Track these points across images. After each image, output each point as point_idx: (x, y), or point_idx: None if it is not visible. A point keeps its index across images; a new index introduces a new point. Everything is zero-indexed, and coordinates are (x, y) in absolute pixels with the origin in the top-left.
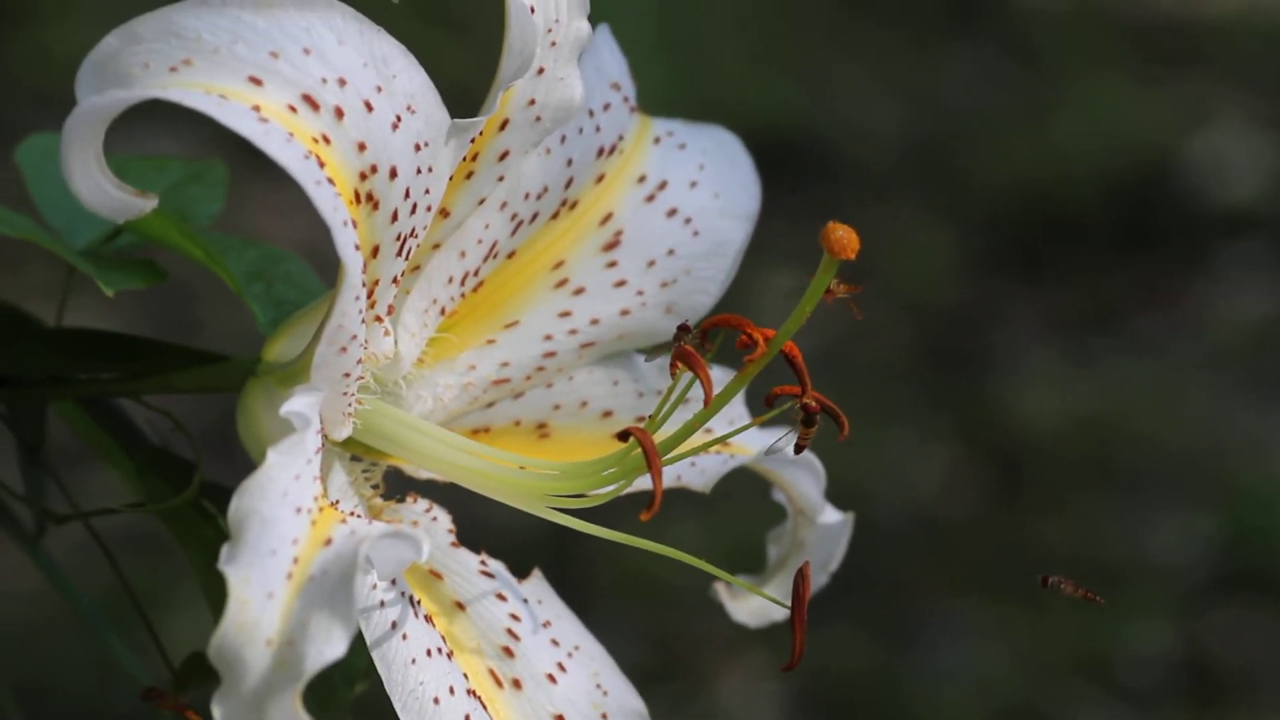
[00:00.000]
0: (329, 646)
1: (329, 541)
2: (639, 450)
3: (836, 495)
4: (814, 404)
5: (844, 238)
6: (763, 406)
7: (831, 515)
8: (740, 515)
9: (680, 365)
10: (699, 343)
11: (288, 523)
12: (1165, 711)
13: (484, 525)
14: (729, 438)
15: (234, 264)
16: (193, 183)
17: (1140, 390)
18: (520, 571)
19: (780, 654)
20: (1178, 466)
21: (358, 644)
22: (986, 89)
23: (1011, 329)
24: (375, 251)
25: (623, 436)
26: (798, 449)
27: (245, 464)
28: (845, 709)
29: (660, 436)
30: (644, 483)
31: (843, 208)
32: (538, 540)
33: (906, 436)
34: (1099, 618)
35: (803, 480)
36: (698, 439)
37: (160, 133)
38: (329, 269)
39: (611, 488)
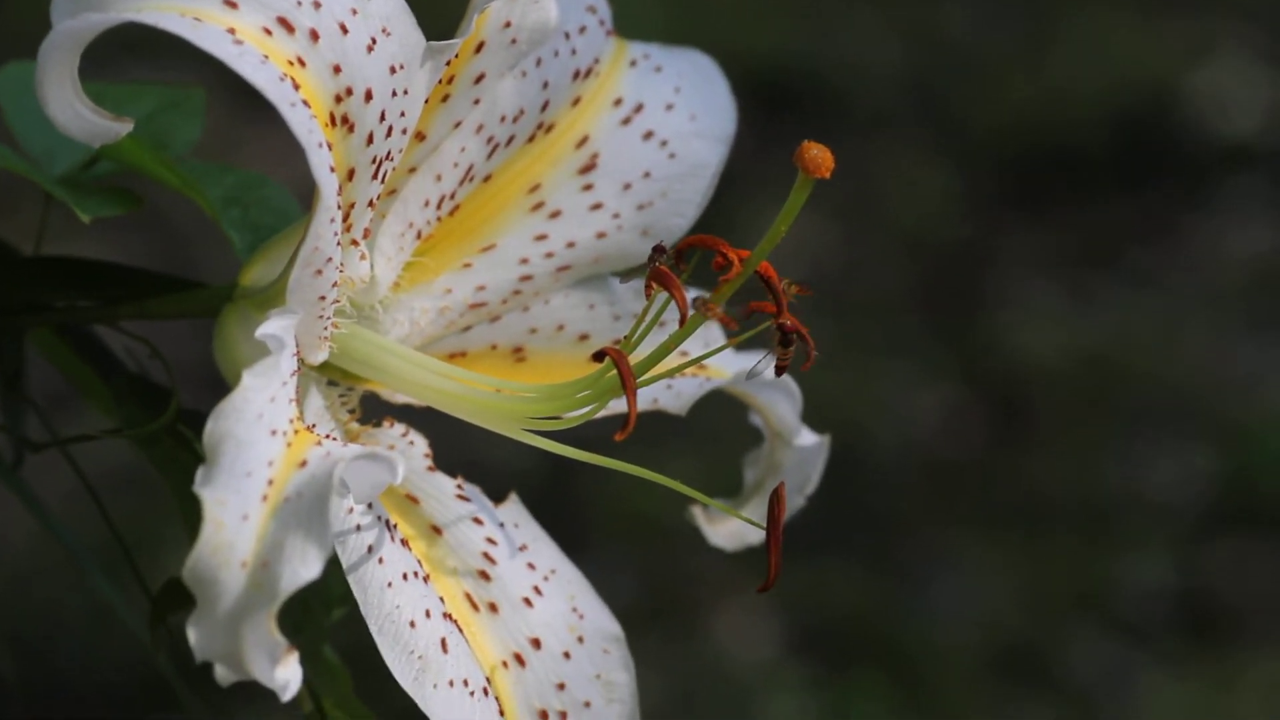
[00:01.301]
0: (304, 568)
1: (304, 463)
2: (614, 372)
3: (835, 432)
4: (789, 324)
5: (818, 156)
6: (738, 329)
7: (808, 438)
8: (736, 453)
9: (655, 286)
10: (674, 264)
11: (263, 444)
12: (1165, 646)
13: (475, 465)
14: (704, 359)
15: (211, 189)
16: (170, 110)
17: (1140, 326)
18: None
19: (777, 591)
20: (1177, 402)
21: (335, 569)
22: (987, 25)
23: (1011, 265)
24: (351, 174)
25: (598, 357)
26: (777, 371)
27: (223, 392)
28: (842, 646)
29: (635, 358)
30: (621, 406)
31: (844, 146)
32: (531, 479)
33: (905, 373)
34: (1099, 554)
35: (779, 403)
36: (673, 361)
37: (150, 72)
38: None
39: (586, 409)
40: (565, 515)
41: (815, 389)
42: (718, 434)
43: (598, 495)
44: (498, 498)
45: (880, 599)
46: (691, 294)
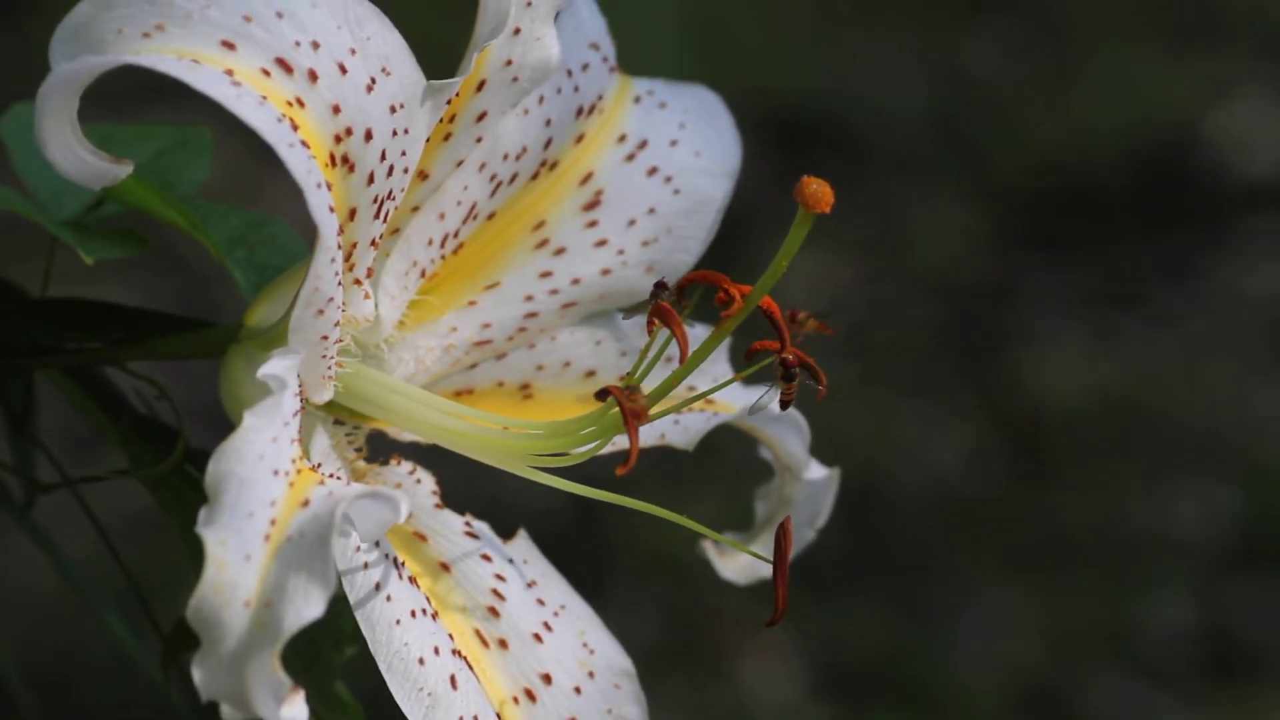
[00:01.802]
0: (307, 607)
1: (306, 503)
2: (617, 409)
3: (858, 471)
4: (793, 359)
5: (818, 192)
6: (746, 364)
7: (817, 471)
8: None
9: (657, 322)
10: (675, 299)
11: (265, 485)
12: (1187, 686)
13: (496, 503)
14: (709, 394)
15: (216, 230)
16: (178, 149)
17: (1162, 365)
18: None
19: (800, 632)
20: (1199, 441)
21: (345, 606)
22: (1010, 64)
23: (1033, 304)
24: (352, 214)
25: (601, 395)
26: (782, 405)
27: (230, 431)
28: (865, 686)
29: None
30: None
31: (866, 184)
32: (553, 520)
33: (928, 413)
34: (1121, 594)
35: (787, 437)
36: (679, 396)
37: (168, 114)
38: None
39: (590, 446)
40: (586, 556)
41: (837, 428)
42: (739, 471)
43: (619, 535)
44: (508, 535)
45: (903, 639)
46: (697, 330)
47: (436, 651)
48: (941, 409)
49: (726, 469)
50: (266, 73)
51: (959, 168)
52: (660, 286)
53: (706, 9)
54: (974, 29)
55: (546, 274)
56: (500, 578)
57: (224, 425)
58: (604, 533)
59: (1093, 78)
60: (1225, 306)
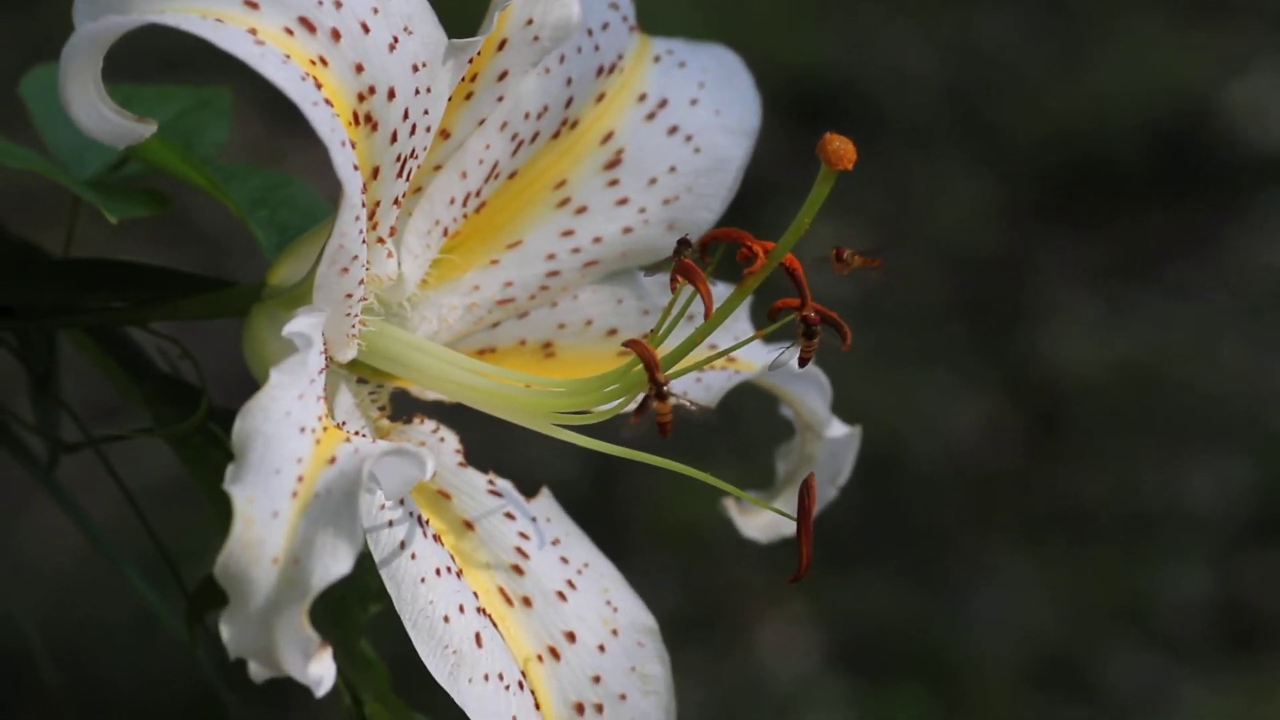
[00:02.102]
0: (335, 563)
1: (333, 460)
2: (641, 365)
3: (875, 443)
4: (814, 315)
5: (840, 148)
6: (768, 323)
7: (838, 429)
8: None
9: (680, 279)
10: (699, 257)
11: (292, 441)
12: (1203, 658)
13: (516, 473)
14: (731, 351)
15: (237, 190)
16: (198, 110)
17: (1177, 338)
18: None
19: (817, 603)
20: (1215, 413)
21: (371, 565)
22: (1024, 36)
23: (1049, 277)
24: (375, 173)
25: (627, 348)
26: (801, 362)
27: (254, 392)
28: (882, 658)
29: (663, 352)
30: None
31: (882, 157)
32: (572, 487)
33: (945, 385)
34: (1137, 565)
35: (809, 394)
36: (701, 353)
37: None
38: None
39: (615, 403)
40: (606, 524)
41: (854, 400)
42: (755, 436)
43: (638, 504)
44: (529, 493)
45: (920, 611)
46: (719, 289)
47: (461, 609)
48: (957, 381)
49: (743, 434)
50: (290, 31)
51: (974, 140)
52: (683, 244)
53: None
54: (989, 1)
55: (568, 232)
56: (524, 535)
57: (247, 385)
58: (622, 502)
59: (1107, 50)
60: (1240, 279)
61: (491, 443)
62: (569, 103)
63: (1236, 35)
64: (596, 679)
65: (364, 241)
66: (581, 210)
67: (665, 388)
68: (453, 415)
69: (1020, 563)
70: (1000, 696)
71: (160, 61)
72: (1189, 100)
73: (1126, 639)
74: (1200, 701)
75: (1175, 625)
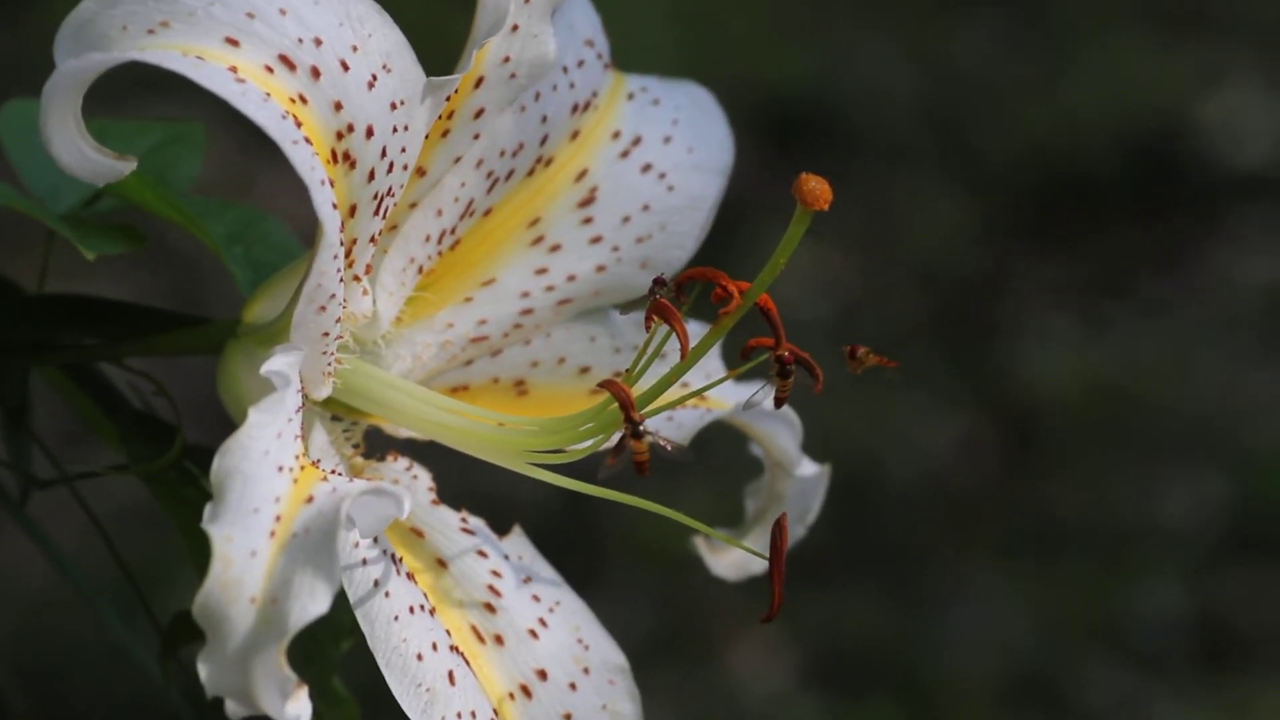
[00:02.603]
0: (313, 603)
1: (311, 499)
2: (615, 404)
3: (851, 462)
4: (788, 355)
5: (816, 189)
6: (740, 362)
7: (808, 468)
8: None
9: (655, 318)
10: (674, 296)
11: (270, 481)
12: (1178, 674)
13: (487, 497)
14: (705, 391)
15: (213, 226)
16: (172, 145)
17: (1153, 354)
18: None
19: (792, 622)
20: (1190, 430)
21: (343, 601)
22: (999, 53)
23: (1025, 294)
24: (353, 210)
25: (602, 388)
26: (777, 402)
27: (228, 428)
28: (858, 676)
29: (637, 391)
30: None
31: (858, 176)
32: (544, 512)
33: (920, 403)
34: (1113, 582)
35: (779, 433)
36: (674, 393)
37: (168, 107)
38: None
39: (589, 443)
40: (579, 548)
41: (831, 419)
42: (734, 467)
43: (612, 528)
44: (502, 530)
45: (895, 628)
46: (691, 326)
47: (434, 647)
48: (933, 399)
49: (718, 463)
50: (270, 69)
51: (950, 158)
52: (659, 283)
53: (698, 1)
54: (963, 18)
55: (542, 270)
56: (496, 574)
57: (221, 421)
58: (596, 524)
59: (1082, 66)
60: (1215, 295)
61: (461, 471)
62: (544, 140)
63: (1212, 51)
64: (568, 717)
65: (341, 280)
66: (556, 248)
67: (641, 426)
68: (428, 447)
69: (997, 580)
70: (977, 713)
71: (132, 82)
72: (1164, 116)
73: (1102, 655)
74: (1176, 717)
75: (1151, 641)
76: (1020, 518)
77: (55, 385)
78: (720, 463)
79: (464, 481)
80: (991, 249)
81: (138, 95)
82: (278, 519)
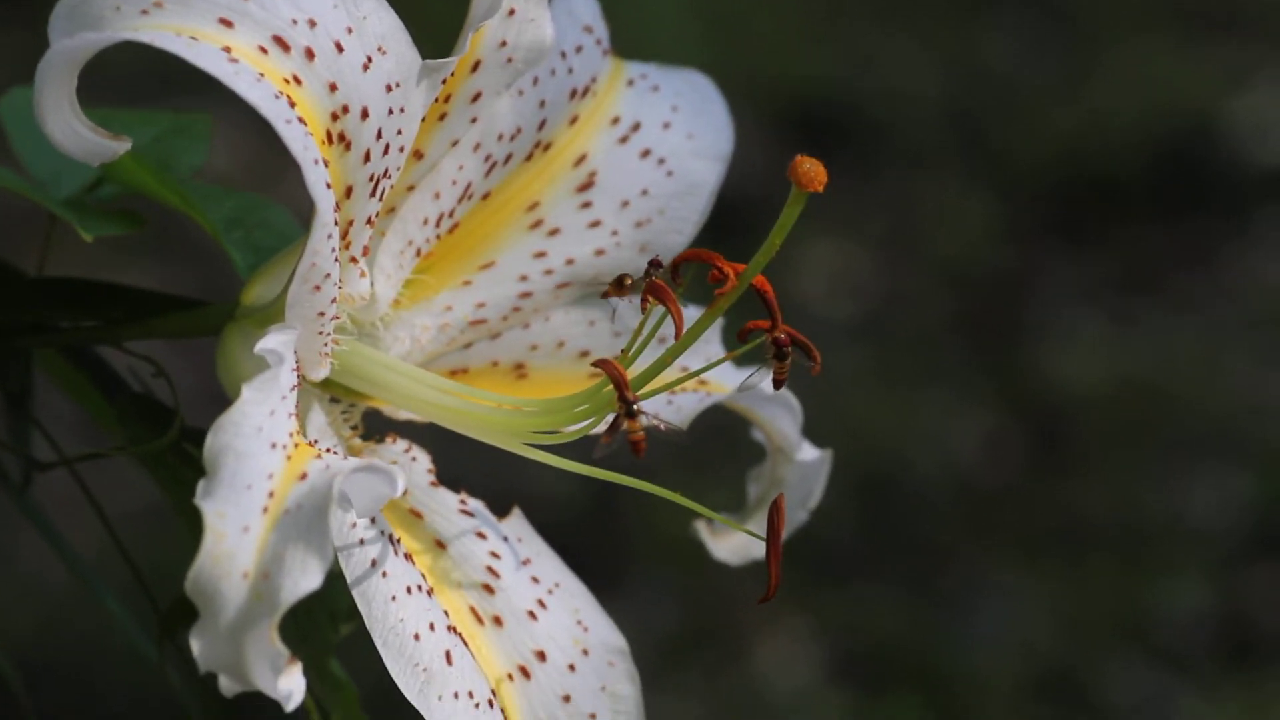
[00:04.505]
0: (305, 578)
1: (304, 476)
2: (610, 385)
3: (876, 459)
4: (784, 337)
5: (811, 170)
6: (738, 344)
7: (809, 452)
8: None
9: (651, 300)
10: (670, 278)
11: (263, 457)
12: (1203, 672)
13: (517, 493)
14: (702, 373)
15: (213, 212)
16: (177, 135)
17: (1180, 353)
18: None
19: (817, 618)
20: (1216, 429)
21: (342, 584)
22: (1026, 53)
23: (1051, 293)
24: (349, 192)
25: (596, 368)
26: (775, 384)
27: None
28: (882, 673)
29: (634, 373)
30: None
31: (883, 175)
32: (572, 507)
33: (946, 401)
34: (1138, 580)
35: (779, 417)
36: (671, 375)
37: (181, 103)
38: None
39: (584, 423)
40: (606, 542)
41: (856, 416)
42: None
43: (638, 522)
44: (503, 513)
45: (920, 625)
46: (692, 310)
47: (432, 627)
48: (959, 397)
49: (748, 453)
50: (264, 50)
51: (976, 158)
52: (654, 265)
53: (723, 1)
54: (990, 19)
55: (541, 254)
56: (495, 555)
57: (221, 404)
58: (620, 520)
59: (1109, 67)
60: (1242, 294)
61: (486, 461)
62: (542, 125)
63: (1238, 51)
64: (566, 698)
65: (336, 260)
66: (554, 232)
67: (635, 406)
68: (446, 435)
69: (1020, 577)
70: (1000, 711)
71: (151, 74)
72: (1191, 116)
73: (1126, 654)
74: (1200, 716)
75: (1175, 640)
76: (1045, 516)
77: (54, 369)
78: (750, 455)
79: (485, 472)
80: (1017, 248)
81: (155, 87)
82: (270, 495)
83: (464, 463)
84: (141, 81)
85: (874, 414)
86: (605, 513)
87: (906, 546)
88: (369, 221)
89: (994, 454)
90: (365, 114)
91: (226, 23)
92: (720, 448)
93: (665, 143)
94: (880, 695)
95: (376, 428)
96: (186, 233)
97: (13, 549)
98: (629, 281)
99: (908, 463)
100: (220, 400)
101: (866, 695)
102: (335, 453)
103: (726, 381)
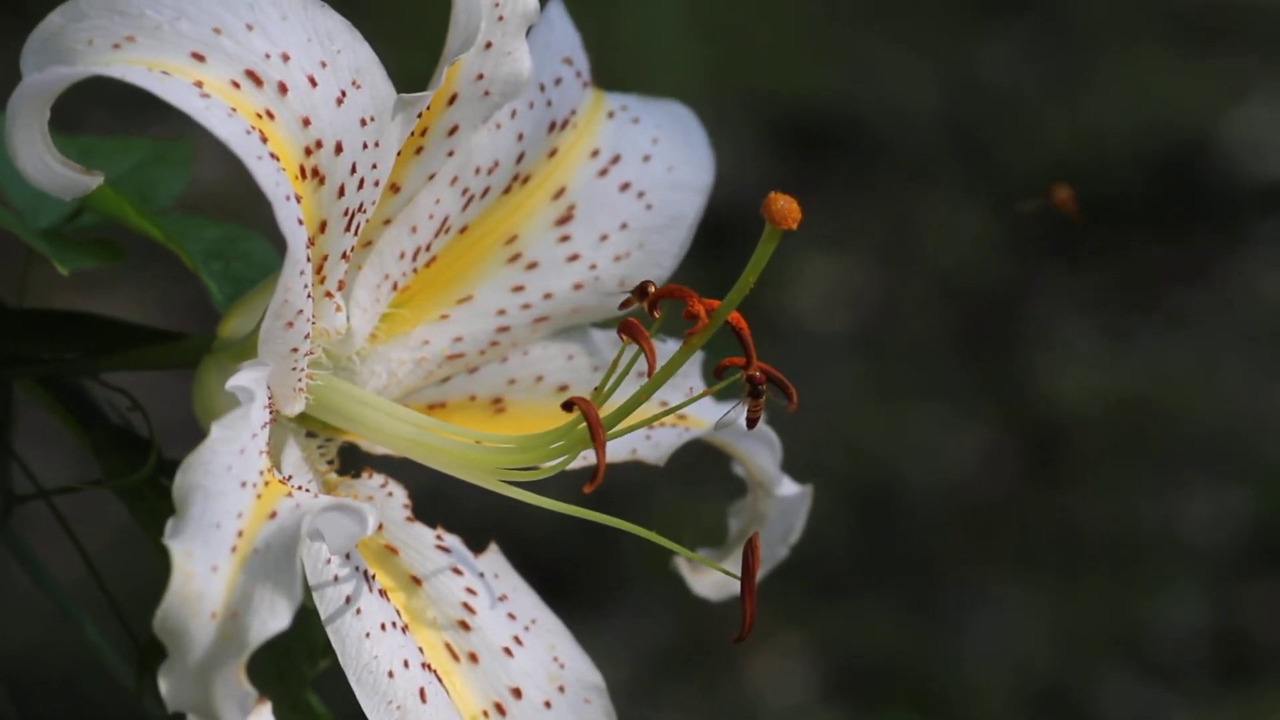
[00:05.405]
0: (273, 619)
1: (274, 515)
2: (584, 424)
3: (871, 474)
4: (759, 375)
5: (785, 208)
6: (716, 380)
7: (789, 488)
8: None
9: (625, 336)
10: (646, 313)
11: (232, 496)
12: (1198, 687)
13: (510, 514)
14: (678, 409)
15: (193, 243)
16: (157, 163)
17: (1176, 367)
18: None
19: (812, 633)
20: (1212, 444)
21: (318, 619)
22: (1023, 67)
23: (1047, 307)
24: (323, 227)
25: (567, 407)
26: (750, 422)
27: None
28: (877, 688)
29: (610, 408)
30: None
31: (880, 187)
32: (566, 525)
33: (942, 415)
34: (1133, 595)
35: (759, 453)
36: (649, 410)
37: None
38: None
39: (560, 460)
40: (600, 558)
41: (851, 430)
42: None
43: (632, 538)
44: (477, 548)
45: (915, 640)
46: (670, 345)
47: (406, 665)
48: (955, 411)
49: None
50: (236, 85)
51: (973, 171)
52: (630, 300)
53: (721, 14)
54: (987, 33)
55: (519, 288)
56: (471, 591)
57: (199, 437)
58: (614, 535)
59: (1106, 81)
60: (1238, 309)
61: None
62: (520, 158)
63: (1235, 66)
64: None
65: (309, 296)
66: (533, 266)
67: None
68: (412, 466)
69: (1016, 591)
70: None
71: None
72: (1187, 131)
73: (1122, 668)
74: None
75: (1171, 655)
76: (1040, 530)
77: (35, 399)
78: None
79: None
80: (1013, 262)
81: (145, 107)
82: (239, 534)
83: (456, 482)
84: (129, 94)
85: (869, 427)
86: (599, 529)
87: (901, 561)
88: (344, 256)
89: (990, 468)
90: (339, 148)
91: (199, 57)
92: (717, 461)
93: (645, 176)
94: (875, 711)
95: (353, 462)
96: (174, 256)
97: (3, 565)
98: (652, 289)
99: (902, 476)
100: (198, 433)
101: (861, 711)
102: (309, 489)
103: (705, 416)
